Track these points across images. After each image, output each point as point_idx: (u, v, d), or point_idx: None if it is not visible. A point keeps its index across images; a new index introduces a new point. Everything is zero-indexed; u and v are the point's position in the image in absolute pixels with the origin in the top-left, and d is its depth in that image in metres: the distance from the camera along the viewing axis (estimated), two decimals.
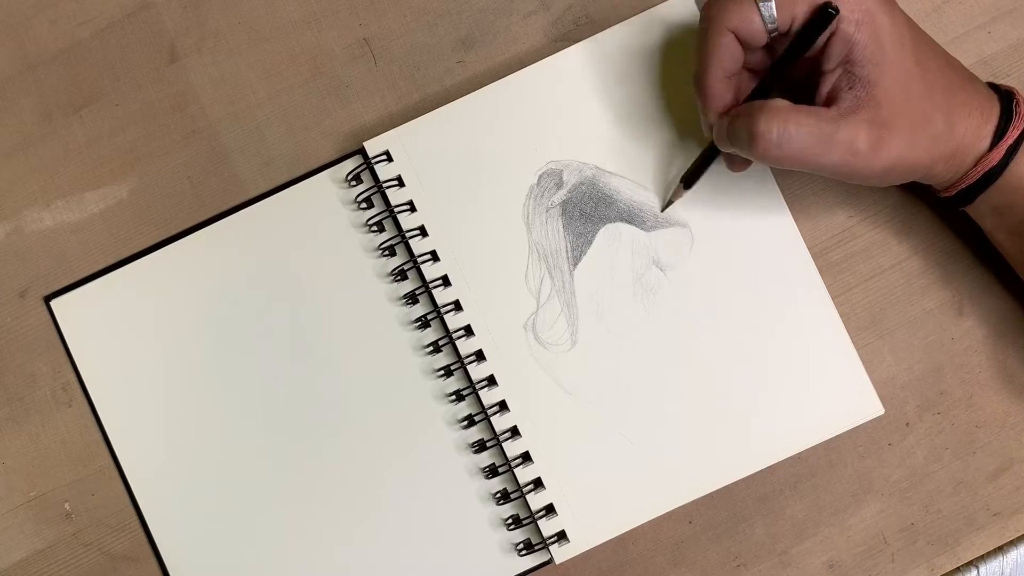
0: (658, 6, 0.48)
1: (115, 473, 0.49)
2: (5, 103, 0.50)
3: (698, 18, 0.47)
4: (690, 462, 0.47)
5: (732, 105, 0.42)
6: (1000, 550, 0.48)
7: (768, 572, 0.48)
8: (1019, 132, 0.42)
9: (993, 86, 0.43)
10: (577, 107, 0.48)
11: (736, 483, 0.47)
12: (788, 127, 0.39)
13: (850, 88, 0.40)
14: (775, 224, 0.47)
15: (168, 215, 0.49)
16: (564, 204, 0.48)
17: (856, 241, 0.48)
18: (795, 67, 0.42)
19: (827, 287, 0.47)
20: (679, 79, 0.47)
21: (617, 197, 0.48)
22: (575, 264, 0.48)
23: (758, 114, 0.40)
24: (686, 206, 0.47)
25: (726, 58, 0.41)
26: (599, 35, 0.48)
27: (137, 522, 0.49)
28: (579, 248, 0.48)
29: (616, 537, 0.47)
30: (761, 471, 0.47)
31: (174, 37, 0.50)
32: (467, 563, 0.48)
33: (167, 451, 0.49)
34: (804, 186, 0.48)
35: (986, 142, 0.42)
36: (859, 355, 0.47)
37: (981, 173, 0.42)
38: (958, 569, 0.47)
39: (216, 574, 0.48)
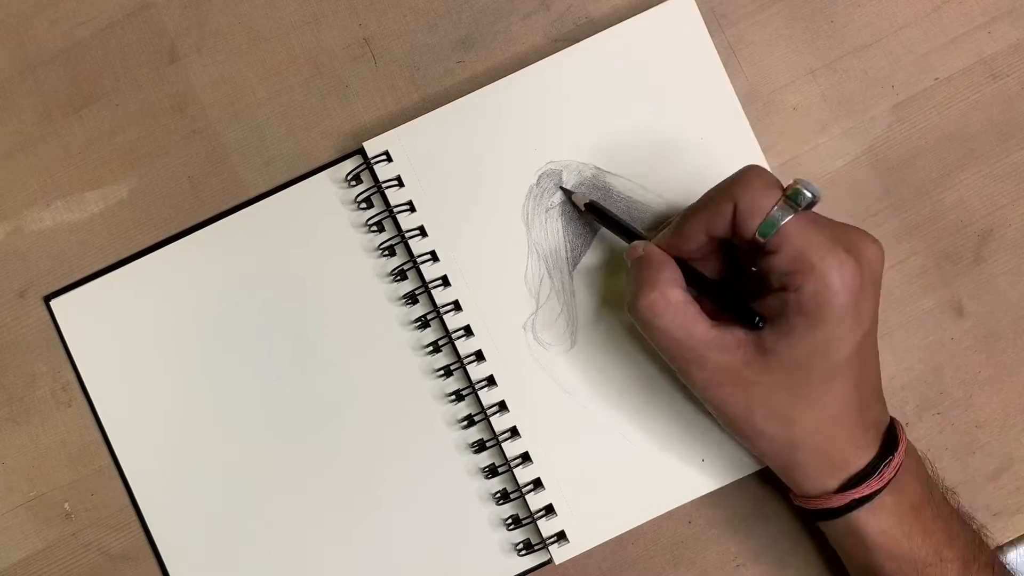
0: (658, 6, 0.48)
1: (115, 473, 0.49)
2: (5, 103, 0.50)
3: (698, 20, 0.47)
4: (690, 462, 0.47)
5: (692, 254, 0.41)
6: (1000, 550, 0.47)
7: (768, 572, 0.48)
8: (871, 491, 0.39)
9: (889, 430, 0.41)
10: (577, 107, 0.48)
11: (736, 483, 0.47)
12: (655, 318, 0.39)
13: (746, 332, 0.39)
14: None
15: (168, 215, 0.49)
16: (564, 204, 0.48)
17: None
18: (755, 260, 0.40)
19: None
20: (679, 79, 0.48)
21: (617, 197, 0.48)
22: (574, 264, 0.48)
23: (650, 287, 0.39)
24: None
25: (713, 219, 0.39)
26: (599, 35, 0.48)
27: (137, 522, 0.49)
28: (579, 248, 0.48)
29: (616, 537, 0.47)
30: (761, 471, 0.47)
31: (174, 37, 0.50)
32: (467, 563, 0.48)
33: (167, 451, 0.49)
34: None
35: (836, 483, 0.40)
36: None
37: (818, 507, 0.41)
38: None
39: (216, 574, 0.48)
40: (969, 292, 0.48)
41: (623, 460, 0.47)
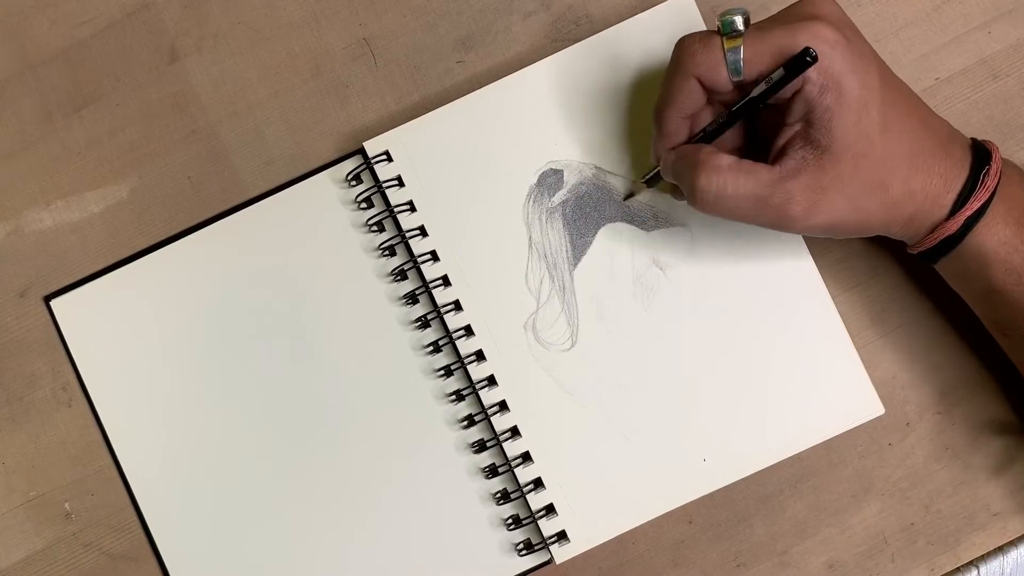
0: (658, 6, 0.48)
1: (115, 473, 0.49)
2: (5, 103, 0.50)
3: (698, 20, 0.47)
4: (690, 462, 0.47)
5: (686, 139, 0.42)
6: (1000, 550, 0.48)
7: (768, 572, 0.48)
8: (980, 203, 0.40)
9: (976, 146, 0.42)
10: (577, 107, 0.48)
11: (736, 483, 0.47)
12: (726, 188, 0.39)
13: (801, 147, 0.39)
14: None
15: (168, 215, 0.49)
16: (564, 204, 0.48)
17: (856, 240, 0.48)
18: (761, 111, 0.41)
19: (827, 286, 0.47)
20: None
21: (617, 197, 0.48)
22: (575, 264, 0.48)
23: (700, 170, 0.40)
24: (686, 206, 0.47)
25: (686, 101, 0.41)
26: (599, 35, 0.48)
27: (137, 522, 0.49)
28: (579, 248, 0.48)
29: (616, 537, 0.47)
30: (761, 471, 0.47)
31: (174, 37, 0.50)
32: (467, 563, 0.48)
33: (167, 451, 0.49)
34: None
35: (945, 210, 0.41)
36: (859, 355, 0.47)
37: (938, 240, 0.41)
38: (958, 569, 0.47)
39: (216, 574, 0.48)
40: None
41: (623, 460, 0.47)
